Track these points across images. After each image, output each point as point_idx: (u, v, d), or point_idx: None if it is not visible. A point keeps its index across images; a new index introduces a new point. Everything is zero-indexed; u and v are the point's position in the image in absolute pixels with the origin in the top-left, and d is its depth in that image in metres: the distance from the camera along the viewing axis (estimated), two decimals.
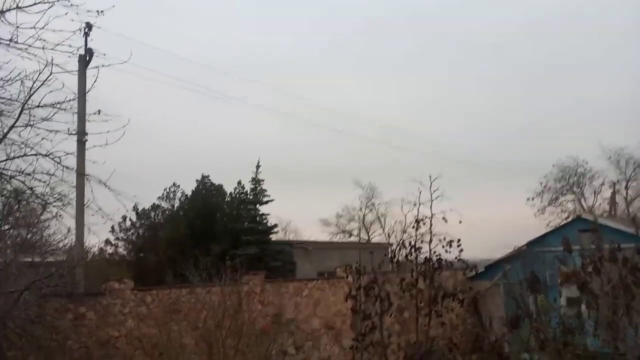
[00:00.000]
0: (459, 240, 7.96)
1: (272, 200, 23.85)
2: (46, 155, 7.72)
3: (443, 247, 7.93)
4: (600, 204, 34.27)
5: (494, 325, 6.45)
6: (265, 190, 23.78)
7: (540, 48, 52.72)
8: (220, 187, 24.93)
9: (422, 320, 7.58)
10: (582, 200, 34.61)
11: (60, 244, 10.68)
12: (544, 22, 52.11)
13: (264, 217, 23.72)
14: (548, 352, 5.34)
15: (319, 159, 50.12)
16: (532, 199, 34.78)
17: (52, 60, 7.03)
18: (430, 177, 8.25)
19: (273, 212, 26.81)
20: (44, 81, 7.14)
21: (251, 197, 23.83)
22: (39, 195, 7.97)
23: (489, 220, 35.85)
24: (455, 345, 7.72)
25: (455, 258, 8.09)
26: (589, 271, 5.37)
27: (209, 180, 24.70)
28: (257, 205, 23.66)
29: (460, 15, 52.34)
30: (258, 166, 23.80)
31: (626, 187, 33.61)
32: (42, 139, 7.61)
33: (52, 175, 7.83)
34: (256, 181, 23.74)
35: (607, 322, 5.13)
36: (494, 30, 52.07)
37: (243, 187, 24.69)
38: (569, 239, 5.89)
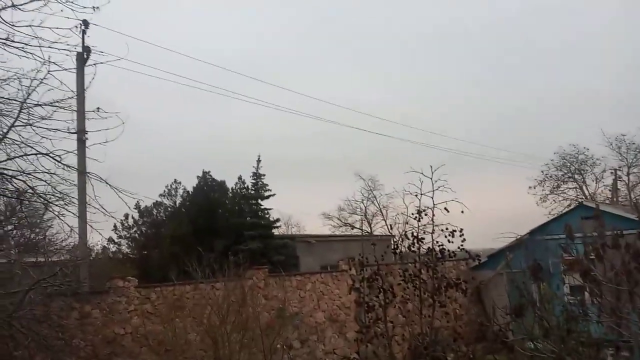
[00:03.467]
0: (461, 230, 7.94)
1: (273, 195, 23.89)
2: (46, 155, 7.69)
3: (446, 237, 7.92)
4: (602, 191, 34.22)
5: (497, 314, 6.46)
6: (267, 185, 23.82)
7: (536, 34, 52.21)
8: (222, 183, 24.95)
9: (426, 311, 7.59)
10: (584, 188, 34.55)
11: (64, 243, 10.74)
12: (539, 6, 51.61)
13: (266, 211, 23.76)
14: (552, 340, 5.35)
15: (318, 152, 50.03)
16: (534, 187, 34.76)
17: (49, 58, 7.01)
18: (431, 167, 8.24)
19: (275, 206, 26.75)
20: (42, 80, 7.13)
21: (252, 192, 23.87)
22: (41, 195, 7.94)
23: (490, 209, 35.83)
24: (460, 335, 7.75)
25: (458, 248, 8.09)
26: (592, 258, 5.37)
27: (210, 176, 24.72)
28: (259, 200, 23.68)
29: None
30: (259, 161, 23.82)
31: (628, 174, 33.54)
32: (42, 138, 7.59)
33: (53, 174, 7.81)
34: (257, 176, 23.76)
35: (611, 309, 5.14)
36: (487, 13, 51.55)
37: (244, 182, 24.70)
38: (572, 226, 5.88)
